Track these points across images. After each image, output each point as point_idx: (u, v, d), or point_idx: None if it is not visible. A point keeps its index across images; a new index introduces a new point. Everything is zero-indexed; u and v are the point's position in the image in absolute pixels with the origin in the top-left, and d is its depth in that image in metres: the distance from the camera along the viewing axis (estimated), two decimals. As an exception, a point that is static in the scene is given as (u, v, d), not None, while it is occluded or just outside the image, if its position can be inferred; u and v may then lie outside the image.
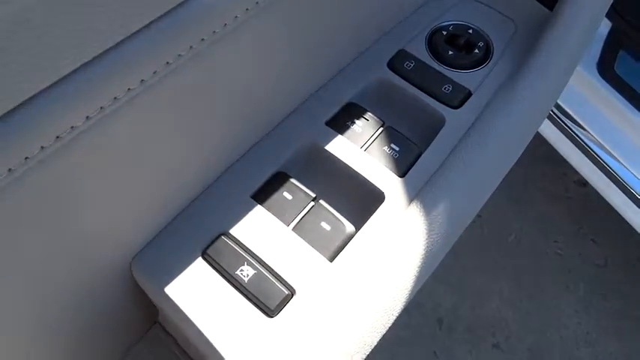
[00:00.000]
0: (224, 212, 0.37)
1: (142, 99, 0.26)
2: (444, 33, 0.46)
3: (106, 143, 0.26)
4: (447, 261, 1.27)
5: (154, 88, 0.26)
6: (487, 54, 0.45)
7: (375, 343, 0.35)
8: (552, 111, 1.08)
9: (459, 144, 0.40)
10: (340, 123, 0.41)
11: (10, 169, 0.22)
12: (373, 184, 0.38)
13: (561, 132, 1.08)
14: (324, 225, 0.37)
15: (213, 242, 0.36)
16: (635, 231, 1.04)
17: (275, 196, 0.38)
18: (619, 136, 1.01)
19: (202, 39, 0.27)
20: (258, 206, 0.37)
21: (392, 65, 0.44)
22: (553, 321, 1.23)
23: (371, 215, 0.37)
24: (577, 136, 1.05)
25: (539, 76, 0.41)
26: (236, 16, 0.28)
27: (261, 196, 0.38)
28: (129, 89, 0.25)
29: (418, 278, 0.36)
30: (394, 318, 0.36)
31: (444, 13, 0.47)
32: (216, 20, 0.27)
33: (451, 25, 0.46)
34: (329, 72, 0.43)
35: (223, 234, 0.36)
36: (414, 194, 0.38)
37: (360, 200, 0.38)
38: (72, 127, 0.23)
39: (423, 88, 0.43)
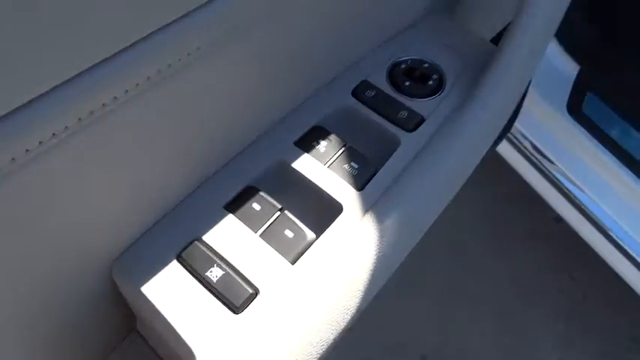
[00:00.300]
0: (198, 220, 0.41)
1: (125, 109, 0.29)
2: (403, 66, 0.51)
3: (97, 146, 0.30)
4: (427, 298, 1.28)
5: (137, 99, 0.30)
6: (440, 85, 0.50)
7: (331, 340, 0.38)
8: (528, 150, 1.13)
9: (412, 163, 0.44)
10: (307, 143, 0.45)
11: (12, 159, 0.25)
12: (333, 197, 0.42)
13: (536, 169, 1.12)
14: (288, 232, 0.40)
15: (187, 247, 0.39)
16: (612, 267, 1.06)
17: (245, 207, 0.41)
18: (590, 173, 1.05)
19: (179, 59, 0.31)
20: (230, 215, 0.41)
21: (355, 93, 0.49)
22: (534, 357, 1.24)
23: (330, 224, 0.41)
24: (551, 173, 1.10)
25: (482, 107, 0.46)
26: (213, 40, 0.32)
27: (233, 206, 0.41)
28: (115, 97, 0.28)
29: (370, 282, 0.39)
30: (349, 317, 0.39)
31: (404, 49, 0.53)
32: (191, 42, 0.31)
33: (409, 59, 0.52)
34: (299, 98, 0.47)
35: (197, 239, 0.39)
36: (369, 206, 0.42)
37: (321, 211, 0.42)
38: (66, 127, 0.27)
39: (382, 114, 0.47)
